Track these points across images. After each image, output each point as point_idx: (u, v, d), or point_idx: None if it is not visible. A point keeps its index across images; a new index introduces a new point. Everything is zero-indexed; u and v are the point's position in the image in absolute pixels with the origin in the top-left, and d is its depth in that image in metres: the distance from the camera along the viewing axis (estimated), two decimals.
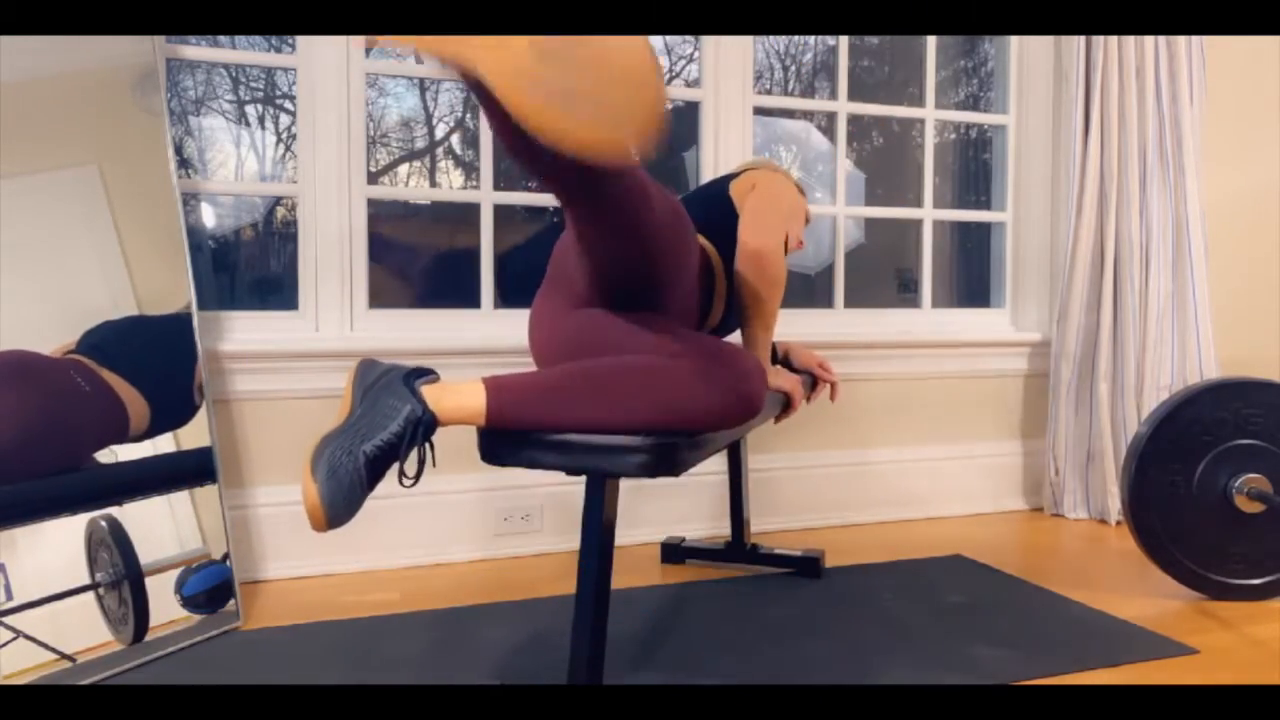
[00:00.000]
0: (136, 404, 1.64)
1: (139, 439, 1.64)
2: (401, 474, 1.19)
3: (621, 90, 0.91)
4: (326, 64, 2.07)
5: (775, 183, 1.72)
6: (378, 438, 1.17)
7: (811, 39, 2.85)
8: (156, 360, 1.72)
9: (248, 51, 2.18)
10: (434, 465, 1.31)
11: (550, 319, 1.52)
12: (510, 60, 0.93)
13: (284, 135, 2.40)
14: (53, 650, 1.43)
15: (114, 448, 1.60)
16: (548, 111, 0.92)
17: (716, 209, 1.72)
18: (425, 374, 1.26)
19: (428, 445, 1.22)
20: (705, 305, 1.68)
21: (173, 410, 1.72)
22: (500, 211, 2.31)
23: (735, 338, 2.27)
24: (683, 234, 1.40)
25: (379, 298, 2.19)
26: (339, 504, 1.12)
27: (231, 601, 1.72)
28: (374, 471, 1.16)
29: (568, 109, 0.91)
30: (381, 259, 2.31)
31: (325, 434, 1.18)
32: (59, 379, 1.54)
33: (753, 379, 1.27)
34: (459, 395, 1.23)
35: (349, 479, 1.13)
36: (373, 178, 2.39)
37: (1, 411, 1.45)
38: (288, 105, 2.36)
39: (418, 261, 2.50)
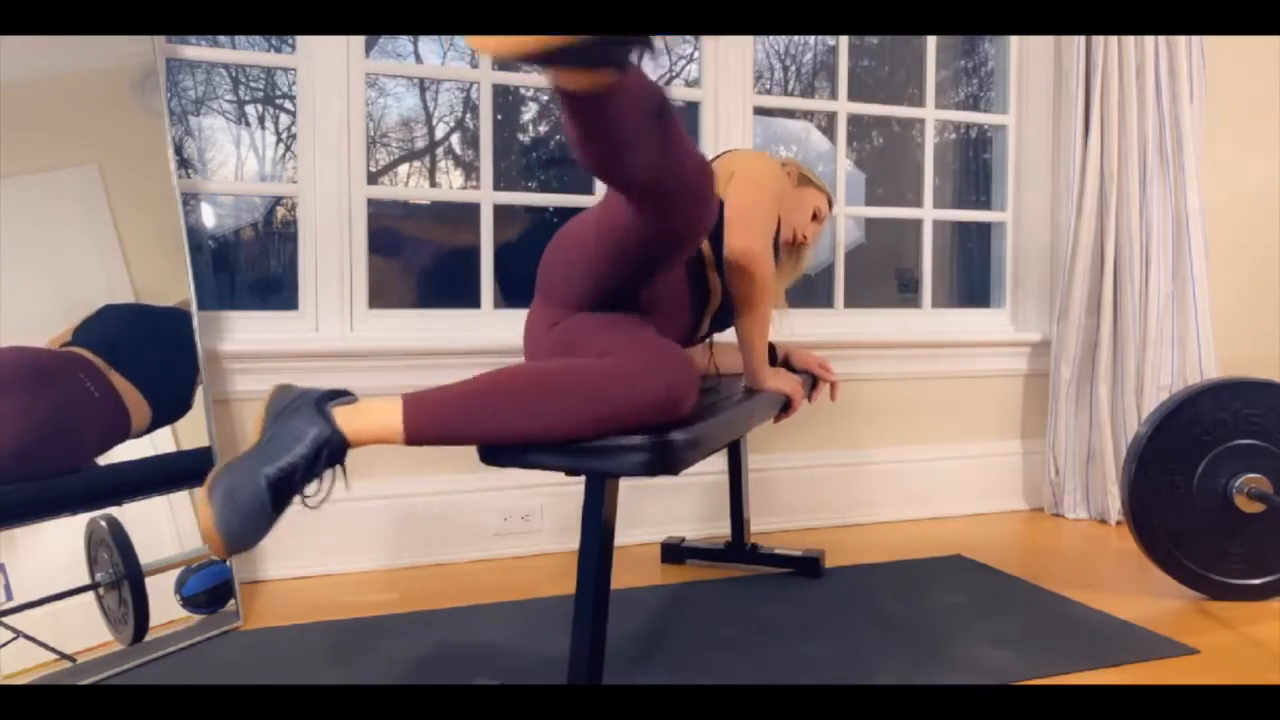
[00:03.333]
0: (139, 406, 1.64)
1: (137, 436, 1.64)
2: (304, 496, 1.16)
3: None
4: (326, 64, 2.07)
5: (755, 172, 1.64)
6: (282, 460, 1.13)
7: (811, 39, 2.85)
8: (162, 360, 1.71)
9: (248, 51, 2.18)
10: (347, 488, 1.27)
11: (540, 328, 1.51)
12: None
13: (284, 135, 2.40)
14: (53, 650, 1.43)
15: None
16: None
17: None
18: (341, 395, 1.23)
19: (340, 468, 1.18)
20: (700, 297, 1.66)
21: (171, 409, 1.72)
22: (500, 211, 2.31)
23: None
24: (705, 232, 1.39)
25: (379, 298, 2.19)
26: (235, 528, 1.09)
27: (231, 601, 1.72)
28: (278, 494, 1.12)
29: None
30: (384, 256, 2.31)
31: (228, 460, 1.14)
32: (67, 382, 1.54)
33: (669, 373, 1.23)
34: (372, 414, 1.19)
35: (247, 503, 1.10)
36: (373, 178, 2.39)
37: (8, 415, 1.45)
38: (288, 105, 2.37)
39: (418, 261, 2.50)
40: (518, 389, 1.21)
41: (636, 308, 1.46)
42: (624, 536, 2.27)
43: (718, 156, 1.76)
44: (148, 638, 1.55)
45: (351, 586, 1.95)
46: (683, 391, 1.24)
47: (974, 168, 2.98)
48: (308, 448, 1.15)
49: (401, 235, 2.47)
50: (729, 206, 1.61)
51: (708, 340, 1.85)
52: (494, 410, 1.20)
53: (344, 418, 1.18)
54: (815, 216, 1.90)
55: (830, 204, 1.94)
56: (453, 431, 1.21)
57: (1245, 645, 1.61)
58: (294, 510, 2.01)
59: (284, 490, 1.13)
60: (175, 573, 1.64)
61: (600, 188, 2.33)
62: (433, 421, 1.19)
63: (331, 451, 1.16)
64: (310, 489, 1.16)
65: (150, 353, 1.70)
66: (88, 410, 1.56)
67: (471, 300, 2.26)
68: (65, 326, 1.59)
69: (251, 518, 1.10)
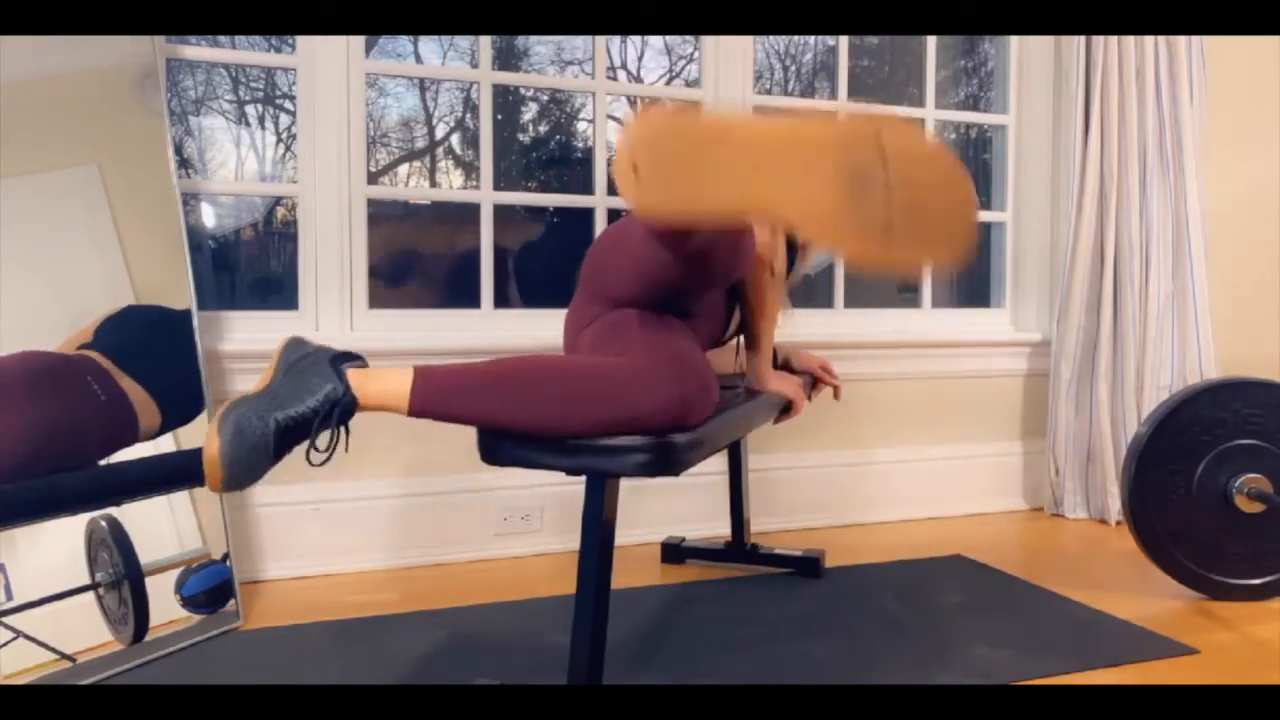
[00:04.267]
0: (148, 410, 1.64)
1: (146, 440, 1.64)
2: (311, 449, 1.17)
3: (938, 213, 0.85)
4: (326, 64, 2.07)
5: None
6: (293, 409, 1.14)
7: (811, 39, 2.85)
8: (175, 362, 1.71)
9: (248, 51, 2.18)
10: (346, 451, 1.25)
11: (575, 327, 1.50)
12: (819, 204, 0.85)
13: (284, 135, 2.40)
14: (53, 650, 1.43)
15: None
16: (868, 248, 0.87)
17: None
18: (354, 359, 1.24)
19: (343, 429, 1.20)
20: (734, 298, 1.68)
21: (181, 412, 1.71)
22: (500, 211, 2.31)
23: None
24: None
25: (379, 298, 2.19)
26: (239, 462, 1.10)
27: (231, 601, 1.72)
28: (282, 441, 1.14)
29: (887, 241, 0.86)
30: (382, 258, 2.31)
31: (238, 397, 1.15)
32: (75, 386, 1.53)
33: (683, 382, 1.23)
34: (384, 381, 1.21)
35: (253, 440, 1.11)
36: (373, 178, 2.39)
37: (15, 422, 1.45)
38: (288, 105, 2.36)
39: (417, 261, 2.50)
40: (529, 380, 1.22)
41: (677, 311, 1.46)
42: (624, 536, 2.27)
43: None
44: (148, 638, 1.55)
45: (351, 586, 1.95)
46: (694, 401, 1.24)
47: (974, 168, 2.98)
48: (319, 402, 1.16)
49: (401, 235, 2.47)
50: None
51: (736, 340, 1.85)
52: (503, 397, 1.21)
53: (356, 380, 1.20)
54: None
55: None
56: (458, 411, 1.22)
57: (1245, 645, 1.61)
58: (294, 510, 2.01)
59: (289, 438, 1.15)
60: (175, 573, 1.64)
61: (600, 187, 2.33)
62: (439, 398, 1.21)
63: (341, 410, 1.18)
64: (318, 443, 1.18)
65: (163, 357, 1.70)
66: (94, 414, 1.55)
67: (471, 300, 2.26)
68: (63, 327, 1.59)
69: (254, 456, 1.11)
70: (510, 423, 1.22)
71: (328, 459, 1.18)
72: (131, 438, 1.61)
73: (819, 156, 0.82)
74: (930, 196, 0.81)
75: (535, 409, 1.20)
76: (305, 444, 1.18)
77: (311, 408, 1.16)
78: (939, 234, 0.83)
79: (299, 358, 1.22)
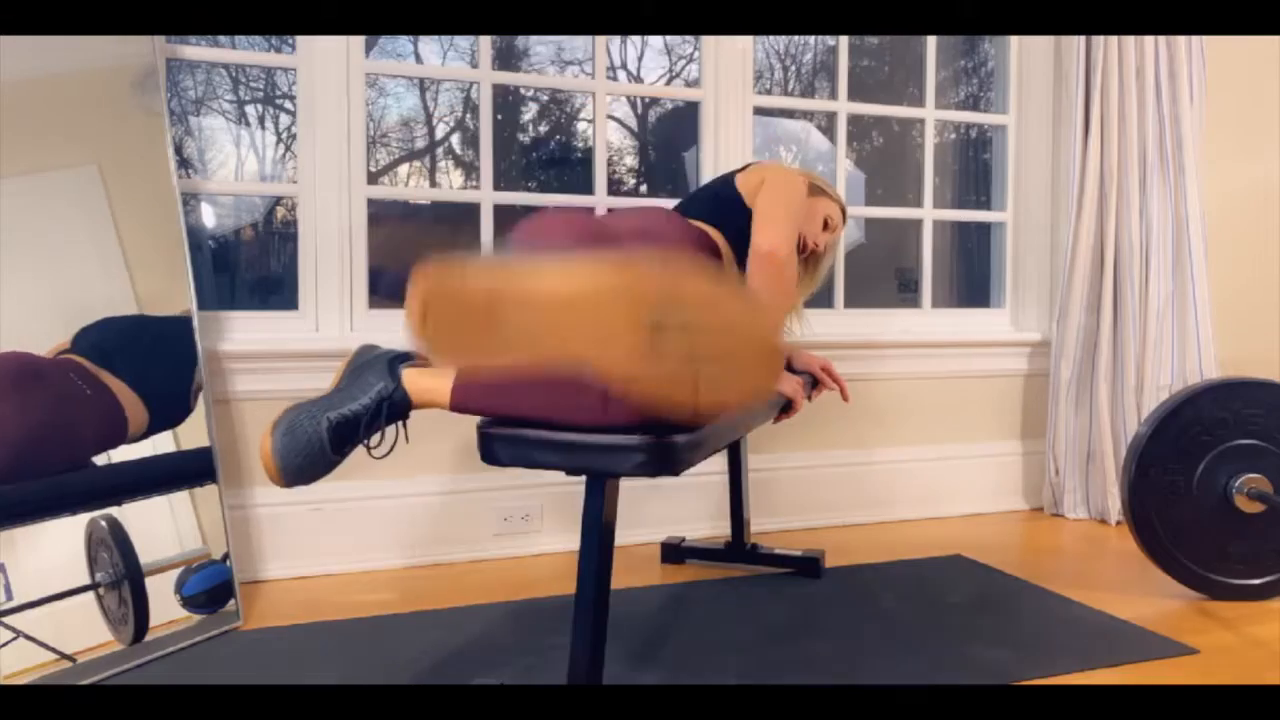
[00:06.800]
0: (135, 406, 1.64)
1: (135, 440, 1.64)
2: (368, 446, 1.25)
3: (744, 353, 0.82)
4: (326, 64, 2.07)
5: (784, 180, 1.71)
6: (345, 408, 1.22)
7: (811, 39, 2.85)
8: (156, 363, 1.71)
9: (248, 51, 2.18)
10: (406, 441, 1.36)
11: None
12: (622, 355, 0.82)
13: (284, 135, 2.40)
14: (53, 650, 1.43)
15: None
16: (676, 393, 0.84)
17: (724, 205, 1.72)
18: (415, 358, 1.30)
19: (401, 424, 1.27)
20: None
21: (169, 413, 1.71)
22: (500, 211, 2.31)
23: None
24: None
25: (378, 298, 2.19)
26: (291, 458, 1.16)
27: (231, 601, 1.72)
28: (338, 438, 1.20)
29: (694, 386, 0.84)
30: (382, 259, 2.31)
31: (299, 402, 1.22)
32: (60, 382, 1.54)
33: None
34: (431, 378, 1.27)
35: (305, 438, 1.17)
36: (373, 178, 2.39)
37: (3, 417, 1.45)
38: (288, 105, 2.37)
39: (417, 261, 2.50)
40: (565, 374, 1.23)
41: None
42: (624, 536, 2.27)
43: (746, 166, 1.79)
44: (148, 638, 1.55)
45: (351, 586, 1.95)
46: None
47: (974, 168, 2.98)
48: (371, 400, 1.24)
49: (401, 235, 2.47)
50: (758, 210, 1.65)
51: None
52: (540, 390, 1.22)
53: (410, 377, 1.26)
54: (827, 225, 1.91)
55: (844, 213, 1.96)
56: (491, 405, 1.26)
57: (1245, 645, 1.61)
58: (294, 510, 2.01)
59: (345, 435, 1.21)
60: (175, 573, 1.64)
61: (600, 187, 2.33)
62: (478, 392, 1.25)
63: (392, 407, 1.25)
64: (374, 440, 1.26)
65: (143, 355, 1.69)
66: (81, 408, 1.55)
67: None
68: (63, 325, 1.59)
69: (308, 454, 1.18)
70: (548, 416, 1.23)
71: (388, 453, 1.26)
72: (122, 433, 1.61)
73: (614, 311, 0.80)
74: (734, 339, 0.79)
75: (572, 402, 1.21)
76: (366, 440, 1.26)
77: (364, 405, 1.23)
78: (746, 374, 0.81)
79: (363, 360, 1.30)
